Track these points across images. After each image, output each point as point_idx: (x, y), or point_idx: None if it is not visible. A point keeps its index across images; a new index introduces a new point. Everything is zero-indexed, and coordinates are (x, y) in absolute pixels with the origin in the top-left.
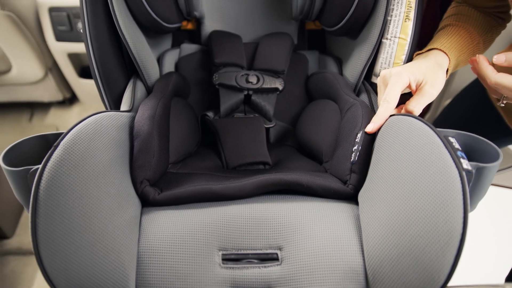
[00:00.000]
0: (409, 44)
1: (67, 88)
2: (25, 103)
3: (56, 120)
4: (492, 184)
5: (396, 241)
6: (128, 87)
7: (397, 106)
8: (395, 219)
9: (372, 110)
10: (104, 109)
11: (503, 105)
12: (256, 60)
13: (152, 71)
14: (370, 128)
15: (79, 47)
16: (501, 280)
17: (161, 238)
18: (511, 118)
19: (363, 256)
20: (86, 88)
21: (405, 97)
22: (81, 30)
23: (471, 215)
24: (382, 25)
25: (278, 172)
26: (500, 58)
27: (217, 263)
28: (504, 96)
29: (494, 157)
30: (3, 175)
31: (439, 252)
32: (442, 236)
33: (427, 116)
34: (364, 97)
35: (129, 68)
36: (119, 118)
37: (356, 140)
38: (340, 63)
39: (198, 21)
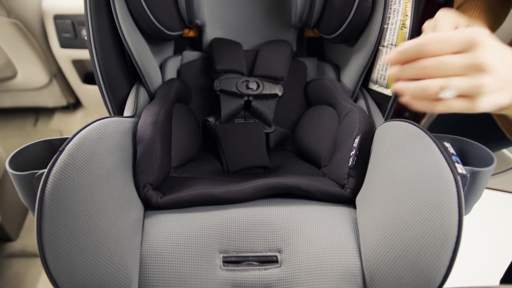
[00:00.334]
0: None
1: (71, 94)
2: (30, 108)
3: (60, 125)
4: (487, 188)
5: (393, 243)
6: (131, 93)
7: (394, 117)
8: (392, 222)
9: (369, 115)
10: (107, 114)
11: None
12: (256, 67)
13: (154, 78)
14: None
15: (83, 54)
16: (496, 281)
17: (163, 241)
18: (505, 122)
19: (361, 259)
20: (90, 94)
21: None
22: (85, 37)
23: (466, 218)
24: (379, 33)
25: (277, 176)
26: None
27: (218, 265)
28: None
29: (488, 162)
30: (8, 179)
31: (435, 254)
32: (437, 239)
33: (424, 120)
34: (361, 103)
35: (132, 75)
36: (123, 123)
37: (354, 145)
38: (338, 69)
39: (200, 29)
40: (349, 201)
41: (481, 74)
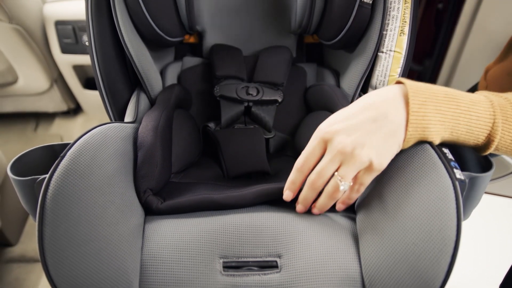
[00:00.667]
0: (404, 57)
1: (71, 99)
2: (31, 113)
3: (61, 130)
4: (487, 193)
5: (392, 248)
6: (132, 99)
7: None
8: (391, 227)
9: None
10: (108, 120)
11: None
12: (256, 72)
13: (155, 84)
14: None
15: (83, 59)
16: (495, 286)
17: (163, 246)
18: None
19: (360, 264)
20: (90, 99)
21: None
22: (86, 43)
23: (466, 223)
24: (378, 39)
25: (277, 181)
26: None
27: (218, 270)
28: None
29: (487, 167)
30: (8, 184)
31: (433, 259)
32: (436, 244)
33: None
34: None
35: (133, 81)
36: (124, 129)
37: None
38: (337, 75)
39: (200, 35)
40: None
41: (354, 154)
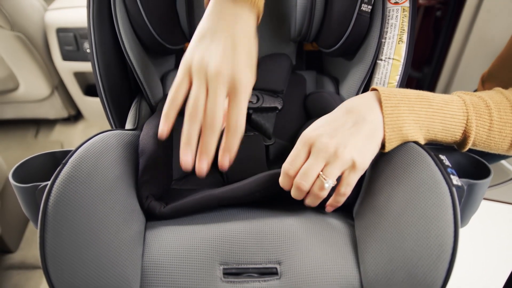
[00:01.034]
0: (403, 65)
1: (72, 106)
2: (31, 120)
3: (61, 136)
4: (487, 199)
5: (390, 255)
6: (133, 106)
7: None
8: (389, 234)
9: None
10: (108, 126)
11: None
12: (256, 80)
13: (156, 91)
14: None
15: (84, 66)
16: None
17: (164, 253)
18: None
19: (359, 270)
20: (91, 106)
21: None
22: (87, 50)
23: (465, 230)
24: (377, 47)
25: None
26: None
27: (218, 277)
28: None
29: (485, 174)
30: (8, 191)
31: (431, 265)
32: (434, 250)
33: None
34: None
35: (134, 88)
36: (125, 136)
37: None
38: (337, 82)
39: None
40: (346, 207)
41: (337, 154)
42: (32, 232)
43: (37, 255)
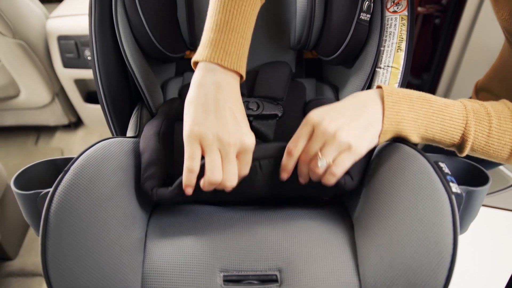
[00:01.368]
0: (401, 72)
1: (72, 113)
2: (32, 127)
3: (61, 143)
4: (487, 206)
5: (390, 262)
6: (134, 113)
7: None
8: (389, 241)
9: None
10: (108, 133)
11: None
12: (256, 87)
13: (156, 98)
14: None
15: (85, 73)
16: None
17: (164, 259)
18: None
19: (359, 278)
20: (91, 113)
21: None
22: (88, 58)
23: (465, 237)
24: (376, 55)
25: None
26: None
27: (218, 284)
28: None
29: (483, 181)
30: (8, 198)
31: (431, 273)
32: (433, 258)
33: None
34: None
35: (135, 96)
36: (126, 144)
37: None
38: (336, 90)
39: None
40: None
41: (335, 136)
42: (32, 240)
43: (36, 262)
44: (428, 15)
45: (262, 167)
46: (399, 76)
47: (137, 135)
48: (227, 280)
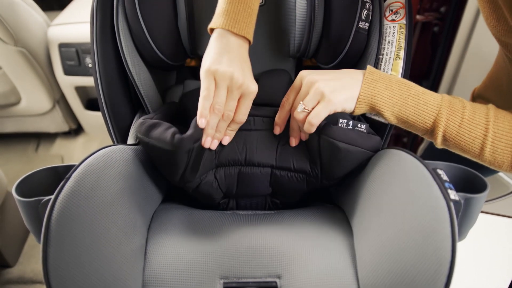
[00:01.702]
0: None
1: (73, 120)
2: (32, 134)
3: (61, 150)
4: (487, 213)
5: (389, 269)
6: (134, 121)
7: (392, 143)
8: (388, 248)
9: None
10: (108, 140)
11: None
12: (256, 95)
13: (156, 106)
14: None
15: (86, 81)
16: None
17: (165, 267)
18: None
19: (358, 283)
20: (91, 120)
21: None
22: (89, 65)
23: (465, 243)
24: (374, 63)
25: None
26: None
27: None
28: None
29: (482, 188)
30: (8, 205)
31: (429, 280)
32: (432, 265)
33: (422, 145)
34: None
35: (135, 103)
36: (127, 151)
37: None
38: None
39: (201, 59)
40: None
41: (314, 85)
42: (31, 247)
43: (35, 270)
44: (427, 23)
45: (256, 123)
46: None
47: (138, 143)
48: (227, 287)
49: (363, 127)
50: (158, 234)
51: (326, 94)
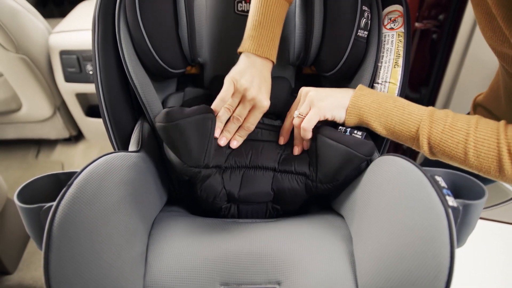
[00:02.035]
0: (399, 88)
1: (73, 126)
2: (32, 140)
3: (62, 157)
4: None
5: (388, 275)
6: (136, 128)
7: (392, 150)
8: (387, 254)
9: None
10: (109, 146)
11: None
12: None
13: (158, 113)
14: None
15: (86, 88)
16: None
17: (165, 273)
18: None
19: None
20: (92, 126)
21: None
22: (90, 72)
23: (462, 250)
24: (373, 70)
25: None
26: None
27: None
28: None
29: (480, 195)
30: (7, 212)
31: (428, 286)
32: (430, 271)
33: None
34: None
35: (137, 111)
36: (128, 158)
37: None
38: None
39: (202, 66)
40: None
41: (307, 94)
42: (31, 254)
43: (35, 277)
44: (426, 30)
45: (263, 134)
46: (396, 91)
47: (139, 150)
48: None
49: (359, 133)
50: (159, 241)
51: (316, 101)
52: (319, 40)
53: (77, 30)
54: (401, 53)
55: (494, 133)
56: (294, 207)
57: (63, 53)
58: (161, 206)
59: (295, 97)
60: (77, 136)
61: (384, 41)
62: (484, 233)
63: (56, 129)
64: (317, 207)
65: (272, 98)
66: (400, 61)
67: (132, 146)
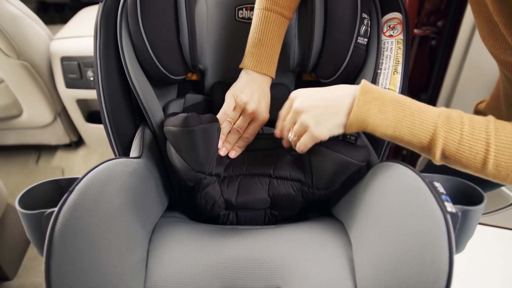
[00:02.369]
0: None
1: (74, 132)
2: (33, 146)
3: (62, 162)
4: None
5: (387, 281)
6: (137, 134)
7: (391, 155)
8: (386, 260)
9: None
10: (109, 152)
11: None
12: None
13: (159, 119)
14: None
15: (87, 94)
16: None
17: (166, 279)
18: None
19: None
20: (92, 132)
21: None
22: (91, 78)
23: (462, 255)
24: (373, 77)
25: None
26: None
27: None
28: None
29: (479, 200)
30: (7, 218)
31: None
32: (429, 276)
33: (421, 159)
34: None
35: (138, 117)
36: (130, 164)
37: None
38: None
39: (202, 73)
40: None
41: (300, 115)
42: (30, 260)
43: (35, 283)
44: (425, 36)
45: (260, 142)
46: None
47: (140, 156)
48: None
49: (352, 138)
50: (159, 247)
51: (311, 127)
52: (319, 47)
53: (78, 37)
54: (400, 60)
55: None
56: (292, 213)
57: (64, 59)
58: (162, 212)
59: None
60: (77, 142)
61: (384, 48)
62: (484, 239)
63: (57, 135)
64: (316, 213)
65: (271, 104)
66: (399, 68)
67: (133, 152)
